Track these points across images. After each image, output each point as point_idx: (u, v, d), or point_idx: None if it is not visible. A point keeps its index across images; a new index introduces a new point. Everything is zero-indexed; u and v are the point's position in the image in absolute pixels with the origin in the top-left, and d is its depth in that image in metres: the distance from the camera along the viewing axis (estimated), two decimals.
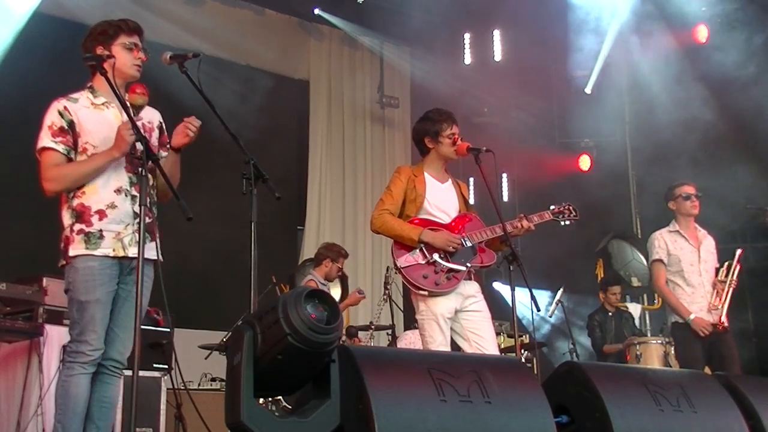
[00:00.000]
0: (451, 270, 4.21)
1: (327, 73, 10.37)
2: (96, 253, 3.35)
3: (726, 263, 5.54)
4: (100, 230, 3.38)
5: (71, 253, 3.36)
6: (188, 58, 3.48)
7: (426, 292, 4.20)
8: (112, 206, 3.41)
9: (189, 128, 3.46)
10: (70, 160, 3.43)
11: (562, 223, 4.63)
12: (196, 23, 8.70)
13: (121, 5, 7.48)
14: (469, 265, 4.27)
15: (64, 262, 3.42)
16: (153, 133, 3.63)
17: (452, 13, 9.89)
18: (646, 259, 6.28)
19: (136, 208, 3.41)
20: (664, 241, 5.55)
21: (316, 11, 9.87)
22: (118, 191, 3.43)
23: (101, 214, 3.39)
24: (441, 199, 4.42)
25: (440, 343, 4.17)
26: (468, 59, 10.38)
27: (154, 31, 7.51)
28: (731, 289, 5.42)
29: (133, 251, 3.38)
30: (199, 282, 8.26)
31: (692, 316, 5.30)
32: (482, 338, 4.23)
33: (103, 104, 3.51)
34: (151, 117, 3.67)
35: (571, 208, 4.63)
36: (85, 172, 3.40)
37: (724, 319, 5.35)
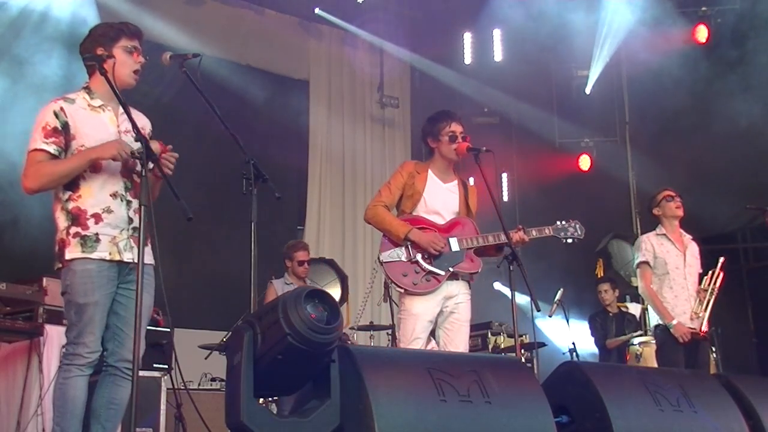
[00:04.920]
0: (430, 272, 4.20)
1: (327, 73, 10.37)
2: (92, 256, 3.33)
3: (710, 271, 5.53)
4: (96, 234, 3.35)
5: (68, 256, 3.33)
6: (188, 59, 3.48)
7: (402, 290, 4.21)
8: (108, 210, 3.38)
9: (167, 166, 3.39)
10: None
11: (564, 241, 4.49)
12: (196, 23, 8.69)
13: (120, 5, 7.49)
14: (451, 269, 4.23)
15: (61, 265, 3.38)
16: None
17: (452, 13, 9.89)
18: None
19: (131, 213, 3.41)
20: (651, 244, 5.55)
21: (316, 11, 9.86)
22: (114, 195, 3.41)
23: (97, 217, 3.36)
24: (439, 200, 4.40)
25: (416, 341, 4.14)
26: (468, 59, 10.37)
27: (154, 32, 7.53)
28: (714, 298, 5.42)
29: (128, 256, 3.37)
30: (199, 282, 8.26)
31: (674, 322, 5.29)
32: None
33: (99, 107, 3.49)
34: (143, 124, 3.64)
35: (577, 226, 4.53)
36: (61, 172, 3.35)
37: (705, 327, 5.35)
